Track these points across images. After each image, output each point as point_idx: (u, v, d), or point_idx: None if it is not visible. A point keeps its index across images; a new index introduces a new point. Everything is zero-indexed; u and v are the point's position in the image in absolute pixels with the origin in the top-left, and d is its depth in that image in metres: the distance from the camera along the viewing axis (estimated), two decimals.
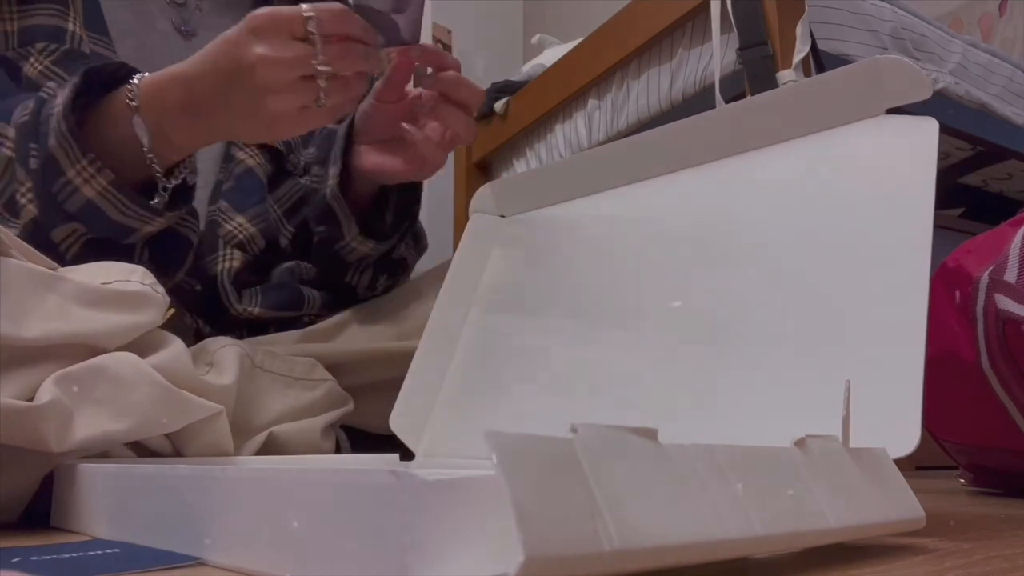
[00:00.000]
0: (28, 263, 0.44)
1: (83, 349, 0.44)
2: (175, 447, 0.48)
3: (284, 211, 0.79)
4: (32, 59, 0.65)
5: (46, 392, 0.41)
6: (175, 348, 0.49)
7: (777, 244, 0.49)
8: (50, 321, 0.42)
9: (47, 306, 0.43)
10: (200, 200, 0.72)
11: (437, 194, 2.26)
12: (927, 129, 0.45)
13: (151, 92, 0.57)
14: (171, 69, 0.57)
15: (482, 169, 1.95)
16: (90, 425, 0.42)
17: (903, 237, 0.43)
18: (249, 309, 0.72)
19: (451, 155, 2.13)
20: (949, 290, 0.65)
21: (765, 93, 0.53)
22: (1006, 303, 0.59)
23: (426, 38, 2.44)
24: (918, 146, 0.45)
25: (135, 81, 0.58)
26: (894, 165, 0.46)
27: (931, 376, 0.39)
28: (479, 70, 2.60)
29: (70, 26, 0.67)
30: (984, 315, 0.61)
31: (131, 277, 0.48)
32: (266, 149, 0.77)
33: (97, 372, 0.43)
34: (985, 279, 0.61)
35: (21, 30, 0.66)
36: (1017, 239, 0.61)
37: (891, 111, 0.48)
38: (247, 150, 0.76)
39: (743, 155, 0.54)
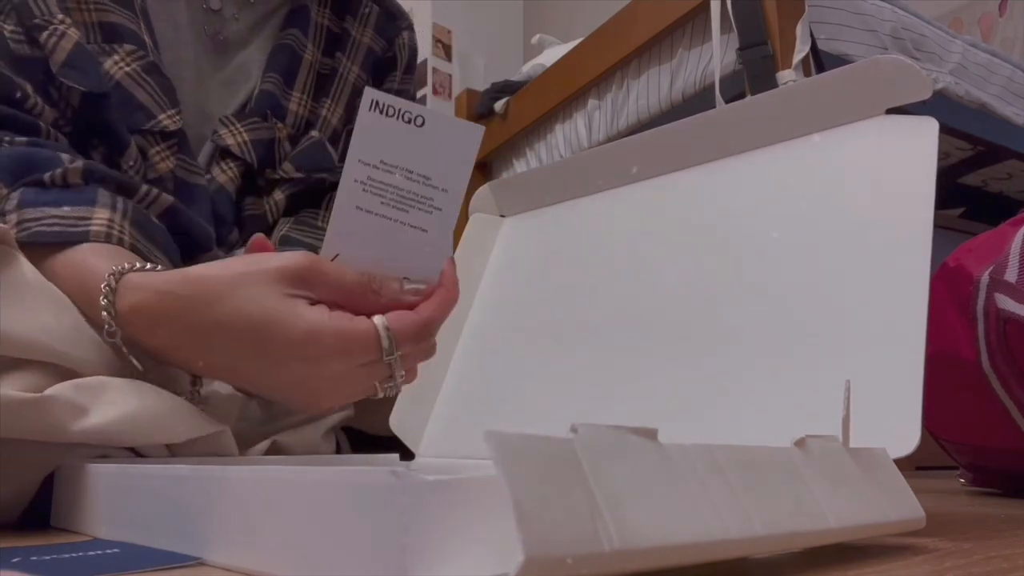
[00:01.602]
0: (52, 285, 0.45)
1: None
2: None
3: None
4: (117, 57, 0.62)
5: (55, 388, 0.41)
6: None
7: (777, 244, 0.49)
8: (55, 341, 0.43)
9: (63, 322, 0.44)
10: None
11: None
12: (927, 129, 0.45)
13: (136, 323, 0.45)
14: (174, 297, 0.44)
15: (482, 169, 1.95)
16: (103, 417, 0.42)
17: (903, 237, 0.43)
18: None
19: None
20: (949, 290, 0.65)
21: (765, 93, 0.53)
22: (1006, 303, 0.59)
23: (426, 37, 2.43)
24: (918, 146, 0.45)
25: (112, 292, 0.45)
26: (894, 165, 0.46)
27: (931, 376, 0.39)
28: (479, 70, 2.60)
29: (146, 38, 0.63)
30: (984, 314, 0.61)
31: None
32: (240, 163, 0.68)
33: (106, 381, 0.43)
34: (985, 279, 0.61)
35: (102, 24, 0.62)
36: (1017, 239, 0.61)
37: (891, 111, 0.48)
38: (223, 165, 0.68)
39: (743, 155, 0.54)
